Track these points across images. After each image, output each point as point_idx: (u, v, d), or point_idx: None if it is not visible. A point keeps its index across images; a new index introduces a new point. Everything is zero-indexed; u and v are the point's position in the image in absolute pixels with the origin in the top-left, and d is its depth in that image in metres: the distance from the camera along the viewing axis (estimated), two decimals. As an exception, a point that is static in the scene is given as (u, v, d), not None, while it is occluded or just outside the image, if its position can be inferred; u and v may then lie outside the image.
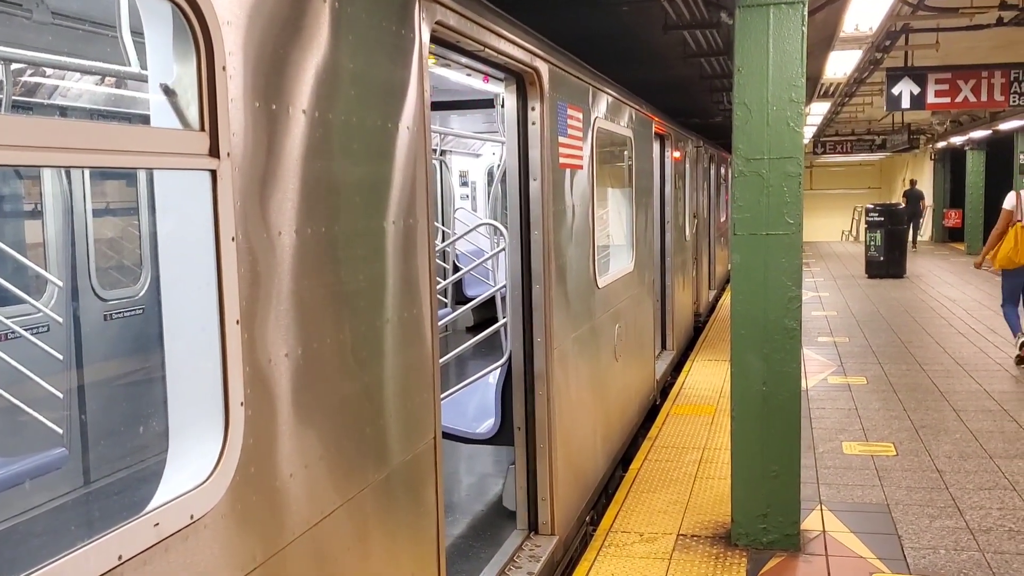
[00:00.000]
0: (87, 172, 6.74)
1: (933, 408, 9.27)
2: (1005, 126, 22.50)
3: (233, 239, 2.47)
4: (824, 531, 6.10)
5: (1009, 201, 11.22)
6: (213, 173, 2.41)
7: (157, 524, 2.19)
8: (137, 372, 7.40)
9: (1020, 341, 11.23)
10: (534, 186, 5.51)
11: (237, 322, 2.48)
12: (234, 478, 2.46)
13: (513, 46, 4.92)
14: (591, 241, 6.79)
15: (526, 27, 5.28)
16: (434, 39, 3.93)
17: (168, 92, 2.41)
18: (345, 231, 3.06)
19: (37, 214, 6.55)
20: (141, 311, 7.49)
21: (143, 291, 7.45)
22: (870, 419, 8.92)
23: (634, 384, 8.83)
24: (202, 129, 2.39)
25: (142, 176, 7.23)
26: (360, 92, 3.17)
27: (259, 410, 2.57)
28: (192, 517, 2.31)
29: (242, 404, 2.49)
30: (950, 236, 34.28)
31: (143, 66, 3.76)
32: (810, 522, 6.22)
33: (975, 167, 29.31)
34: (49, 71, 5.96)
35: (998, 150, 27.65)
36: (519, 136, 5.44)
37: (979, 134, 25.38)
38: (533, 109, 5.48)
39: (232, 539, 2.46)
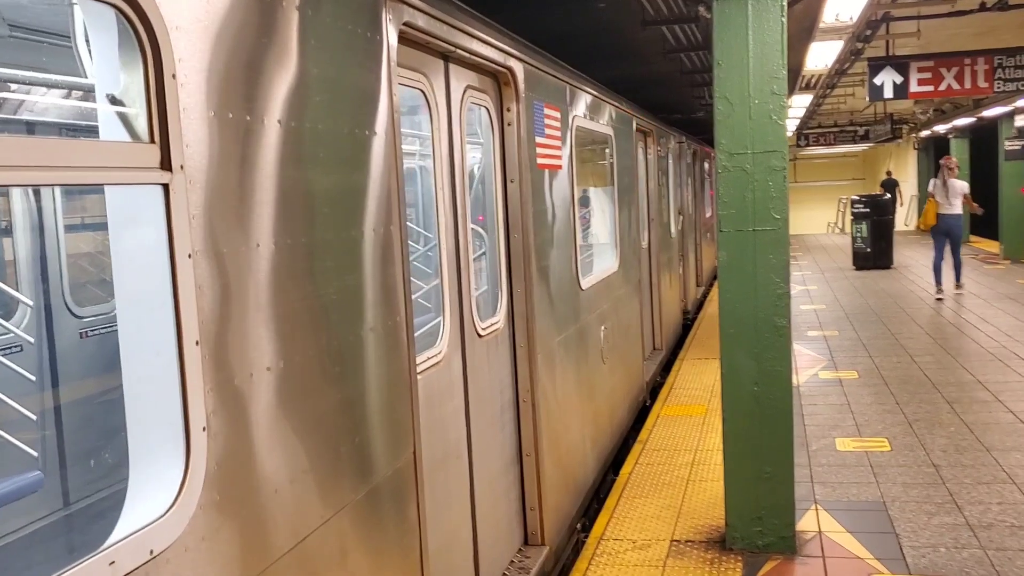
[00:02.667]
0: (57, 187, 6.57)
1: (926, 401, 9.17)
2: (989, 113, 22.45)
3: (190, 255, 2.33)
4: (820, 532, 5.98)
5: (931, 184, 16.53)
6: (165, 187, 2.27)
7: (113, 563, 2.05)
8: (116, 390, 7.23)
9: (938, 289, 16.32)
10: (512, 188, 5.38)
11: (197, 343, 2.35)
12: (197, 508, 2.32)
13: (486, 46, 4.79)
14: (573, 242, 6.67)
15: (500, 27, 5.15)
16: (403, 41, 3.80)
17: (115, 102, 2.28)
18: (312, 243, 2.92)
19: (6, 232, 6.39)
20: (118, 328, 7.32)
21: (119, 307, 7.28)
22: (863, 414, 8.82)
23: (623, 386, 8.71)
24: (152, 141, 2.25)
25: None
26: (324, 98, 3.04)
27: (223, 434, 2.43)
28: (152, 552, 2.17)
29: (204, 429, 2.36)
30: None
31: (99, 76, 3.62)
32: (805, 523, 6.10)
33: (959, 155, 29.24)
34: (13, 85, 5.80)
35: (982, 137, 27.63)
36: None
37: (963, 122, 25.35)
38: (509, 110, 5.35)
39: (198, 573, 2.32)
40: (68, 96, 6.28)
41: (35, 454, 5.71)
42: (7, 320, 6.10)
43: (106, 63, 2.31)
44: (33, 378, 5.94)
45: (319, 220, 2.97)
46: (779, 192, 5.47)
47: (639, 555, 5.77)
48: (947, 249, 16.52)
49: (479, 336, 4.86)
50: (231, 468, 2.47)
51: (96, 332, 7.14)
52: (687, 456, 7.79)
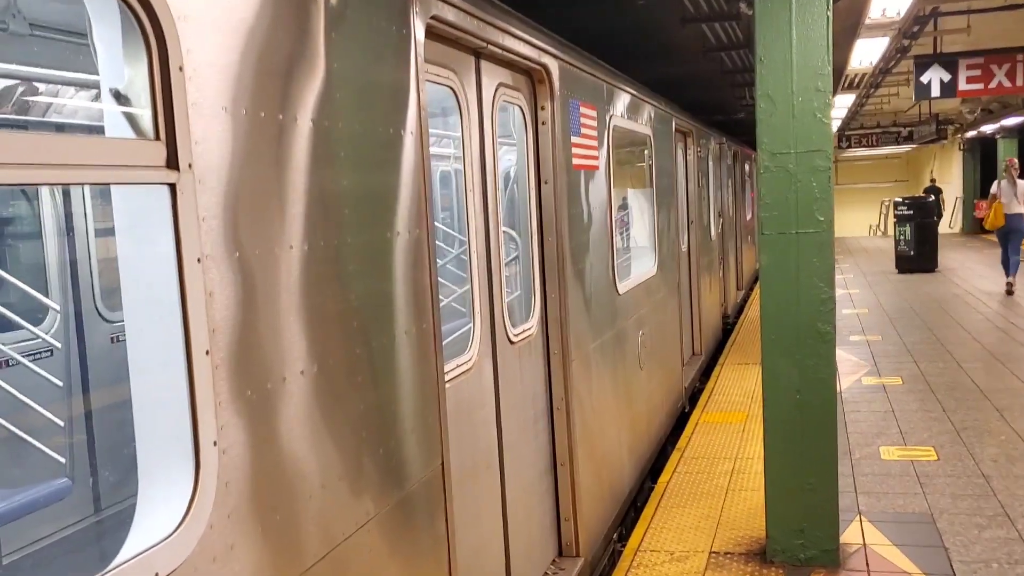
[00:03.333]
0: (87, 190, 6.51)
1: (974, 408, 8.89)
2: (1039, 112, 21.96)
3: (199, 259, 2.21)
4: (864, 544, 5.77)
5: (995, 186, 17.33)
6: (172, 187, 2.15)
7: None
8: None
9: (1007, 281, 17.04)
10: (546, 190, 5.23)
11: (207, 352, 2.22)
12: (208, 527, 2.19)
13: (519, 42, 4.65)
14: (610, 245, 6.50)
15: (534, 23, 5.00)
16: (431, 36, 3.67)
17: (119, 98, 2.16)
18: (333, 246, 2.79)
19: (36, 236, 6.33)
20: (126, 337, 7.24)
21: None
22: (908, 421, 8.57)
23: (661, 392, 8.52)
24: (157, 138, 2.13)
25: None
26: (346, 94, 2.91)
27: (236, 448, 2.30)
28: (157, 575, 2.05)
29: (215, 443, 2.23)
30: (981, 227, 33.59)
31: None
32: (849, 535, 5.89)
33: (1007, 155, 28.76)
34: (41, 87, 5.73)
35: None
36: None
37: (1011, 121, 24.81)
38: (543, 108, 5.20)
39: (208, 596, 2.20)
40: (96, 99, 6.22)
41: (63, 460, 5.63)
42: (37, 325, 6.04)
43: (110, 56, 2.20)
44: (60, 383, 5.86)
45: (340, 223, 2.84)
46: (823, 193, 5.27)
47: (677, 567, 5.59)
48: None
49: (511, 343, 4.71)
50: (245, 484, 2.34)
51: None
52: (727, 464, 7.59)
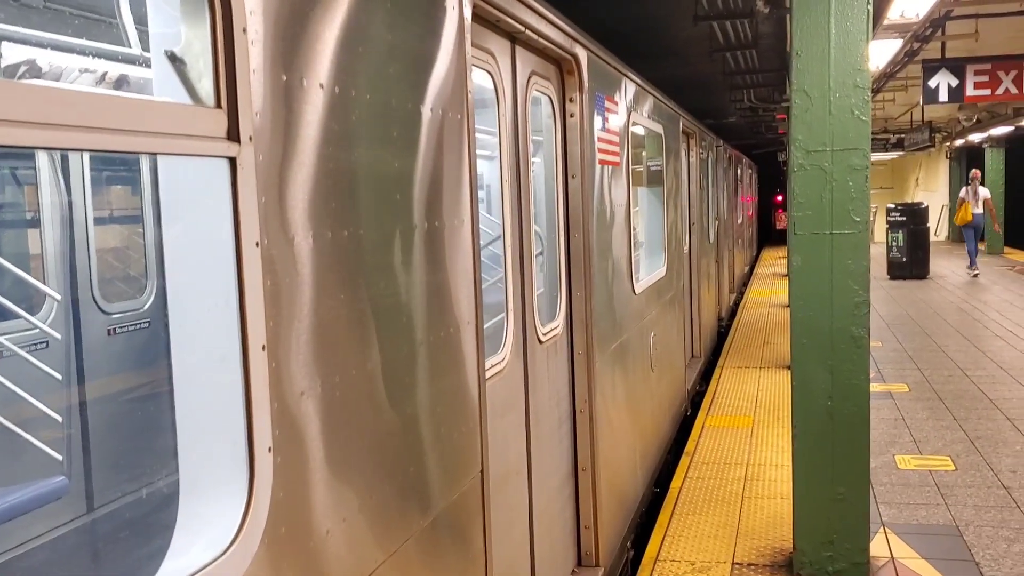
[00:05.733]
0: (87, 178, 6.25)
1: (985, 417, 8.74)
2: (1028, 122, 21.93)
3: (257, 244, 1.98)
4: (892, 557, 5.59)
5: (963, 191, 23.01)
6: (232, 161, 1.92)
7: None
8: (145, 386, 6.92)
9: (973, 272, 21.48)
10: (573, 185, 5.02)
11: (263, 348, 1.99)
12: (261, 544, 1.97)
13: (554, 29, 4.44)
14: (629, 244, 6.30)
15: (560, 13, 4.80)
16: (474, 16, 3.45)
17: (174, 60, 1.93)
18: (387, 234, 2.57)
19: (35, 223, 6.08)
20: (147, 324, 7.00)
21: (148, 303, 6.96)
22: (920, 430, 8.41)
23: (668, 395, 8.34)
24: (218, 106, 1.90)
25: (146, 181, 6.75)
26: (400, 71, 2.69)
27: (290, 456, 2.08)
28: None
29: (270, 450, 2.00)
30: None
31: (145, 48, 3.28)
32: (876, 547, 5.70)
33: (995, 165, 28.82)
34: (45, 68, 5.47)
35: (1019, 147, 27.08)
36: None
37: (999, 131, 24.80)
38: (572, 100, 4.99)
39: (259, 623, 1.97)
40: (101, 81, 5.96)
41: (59, 457, 5.37)
42: (33, 315, 5.78)
43: (164, 16, 1.97)
44: (59, 376, 5.61)
45: (396, 209, 2.62)
46: (860, 193, 5.09)
47: (699, 579, 5.39)
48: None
49: (540, 342, 4.49)
50: (298, 495, 2.11)
51: (124, 329, 6.83)
52: (739, 471, 7.40)
